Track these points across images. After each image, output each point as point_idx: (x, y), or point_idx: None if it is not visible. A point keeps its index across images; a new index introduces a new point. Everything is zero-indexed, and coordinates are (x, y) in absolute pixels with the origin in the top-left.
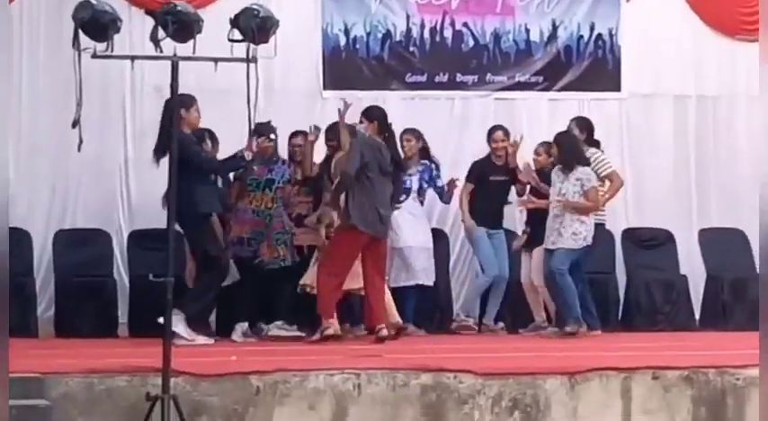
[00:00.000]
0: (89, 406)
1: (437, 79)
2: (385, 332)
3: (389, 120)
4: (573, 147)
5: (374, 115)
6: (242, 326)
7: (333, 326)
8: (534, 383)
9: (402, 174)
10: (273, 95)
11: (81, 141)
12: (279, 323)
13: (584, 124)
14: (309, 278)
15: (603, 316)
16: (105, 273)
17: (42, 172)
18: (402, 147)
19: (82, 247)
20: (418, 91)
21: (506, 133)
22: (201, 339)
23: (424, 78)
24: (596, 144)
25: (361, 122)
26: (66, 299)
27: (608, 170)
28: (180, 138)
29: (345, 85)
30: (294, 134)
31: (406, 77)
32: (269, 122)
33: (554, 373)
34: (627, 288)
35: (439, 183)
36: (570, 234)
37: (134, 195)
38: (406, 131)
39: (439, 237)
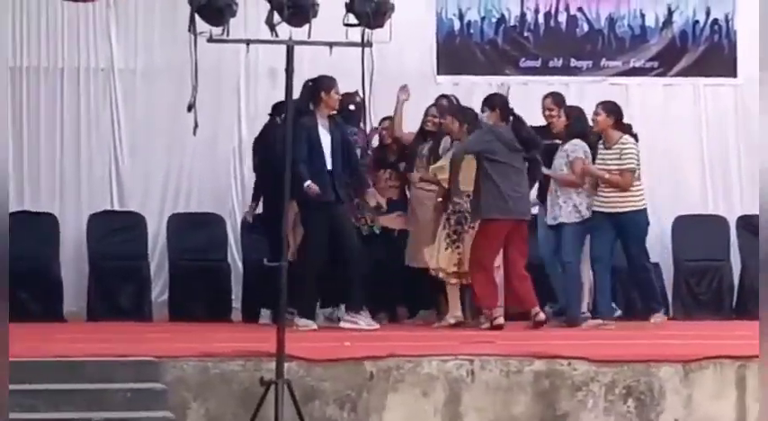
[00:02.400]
0: (203, 389)
1: (551, 64)
2: (542, 316)
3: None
4: (576, 121)
5: (495, 103)
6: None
7: (501, 314)
8: (648, 371)
9: (536, 151)
10: (387, 80)
11: (196, 125)
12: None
13: (611, 108)
14: (443, 262)
15: (718, 304)
16: (219, 258)
17: (157, 156)
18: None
19: (196, 231)
20: (532, 76)
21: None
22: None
23: (538, 63)
24: (628, 130)
25: (483, 111)
26: (181, 283)
27: (628, 165)
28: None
29: (459, 70)
30: (384, 119)
31: (520, 62)
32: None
33: (668, 361)
34: (741, 275)
35: None
36: (572, 208)
37: (248, 179)
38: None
39: None
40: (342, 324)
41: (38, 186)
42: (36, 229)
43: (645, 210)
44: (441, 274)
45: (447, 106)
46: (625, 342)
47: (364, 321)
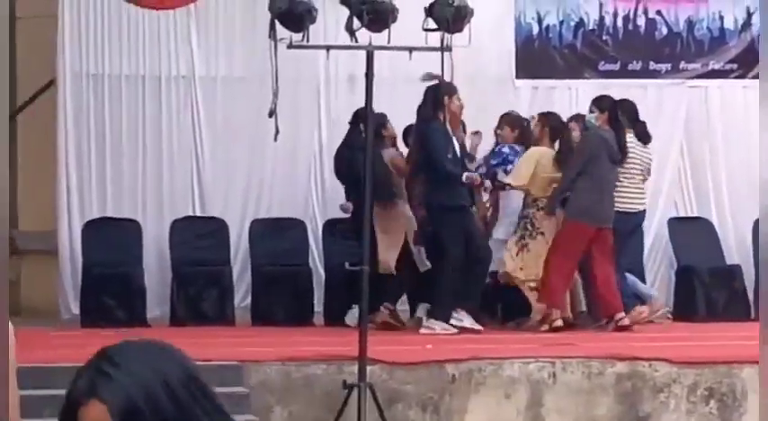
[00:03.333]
0: (286, 393)
1: (630, 67)
2: (627, 321)
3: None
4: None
5: (605, 105)
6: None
7: (561, 318)
8: (730, 372)
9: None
10: (466, 84)
11: (277, 131)
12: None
13: (605, 105)
14: (504, 265)
15: None
16: (301, 262)
17: (238, 162)
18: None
19: (277, 236)
20: (611, 79)
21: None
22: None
23: (617, 66)
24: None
25: (591, 112)
26: (263, 287)
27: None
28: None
29: (538, 74)
30: (474, 133)
31: (599, 66)
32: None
33: (751, 362)
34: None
35: None
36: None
37: (328, 184)
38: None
39: None
40: (462, 324)
41: (120, 193)
42: (119, 236)
43: (621, 213)
44: (513, 281)
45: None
46: (707, 343)
47: (468, 321)
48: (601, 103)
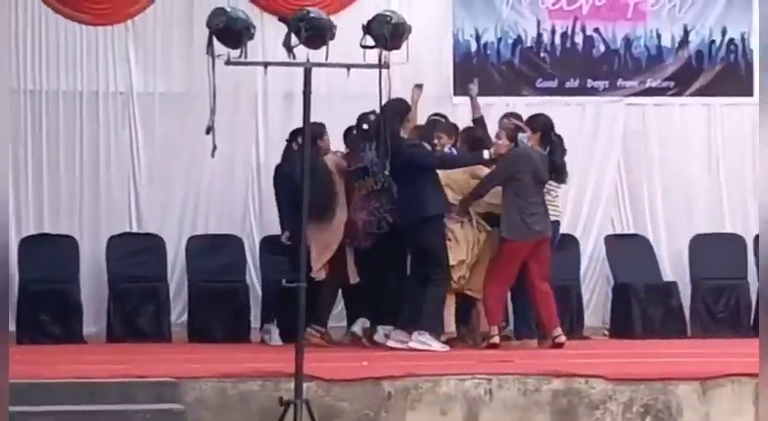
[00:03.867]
0: (222, 410)
1: (568, 85)
2: (563, 338)
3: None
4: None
5: (538, 124)
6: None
7: (497, 333)
8: (666, 389)
9: (563, 179)
10: None
11: (215, 147)
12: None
13: (538, 124)
14: (473, 283)
15: (736, 322)
16: (238, 279)
17: (176, 178)
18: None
19: (214, 253)
20: (549, 96)
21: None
22: (437, 345)
23: (554, 84)
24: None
25: (524, 131)
26: (199, 304)
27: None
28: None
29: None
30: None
31: (536, 83)
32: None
33: (686, 379)
34: (759, 294)
35: None
36: None
37: (265, 200)
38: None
39: (569, 241)
40: (411, 344)
41: (57, 209)
42: (56, 252)
43: None
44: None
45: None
46: (642, 360)
47: (437, 344)
48: (533, 122)
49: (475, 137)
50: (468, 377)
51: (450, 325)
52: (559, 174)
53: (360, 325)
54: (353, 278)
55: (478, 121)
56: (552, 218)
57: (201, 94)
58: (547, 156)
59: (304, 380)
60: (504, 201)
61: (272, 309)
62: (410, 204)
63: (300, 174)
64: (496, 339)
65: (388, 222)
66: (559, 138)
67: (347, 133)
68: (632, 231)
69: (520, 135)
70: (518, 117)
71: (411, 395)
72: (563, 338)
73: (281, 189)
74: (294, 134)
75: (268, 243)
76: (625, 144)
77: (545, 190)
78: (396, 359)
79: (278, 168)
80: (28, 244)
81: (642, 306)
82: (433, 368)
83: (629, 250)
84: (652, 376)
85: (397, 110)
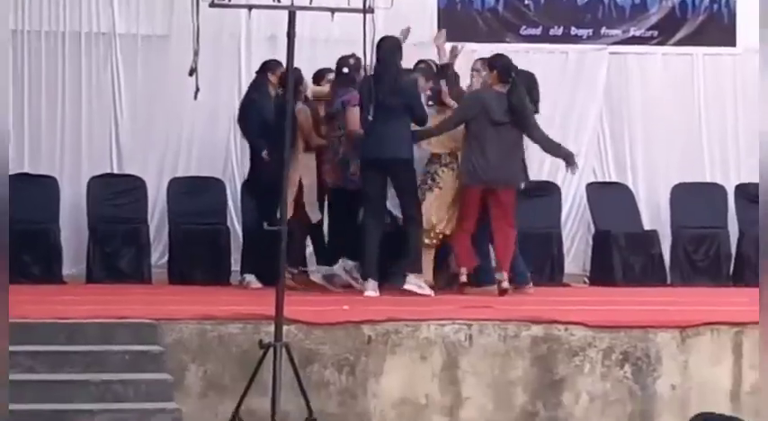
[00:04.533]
0: (202, 352)
1: (551, 32)
2: (506, 284)
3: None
4: None
5: (495, 64)
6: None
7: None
8: (645, 336)
9: (523, 122)
10: None
11: (197, 89)
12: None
13: (497, 64)
14: (441, 224)
15: (715, 270)
16: (218, 221)
17: (157, 120)
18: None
19: (195, 195)
20: (532, 44)
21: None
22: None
23: (538, 31)
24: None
25: (478, 70)
26: (180, 246)
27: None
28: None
29: (460, 37)
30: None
31: (520, 30)
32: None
33: (665, 327)
34: (739, 243)
35: None
36: None
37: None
38: None
39: (550, 188)
40: (407, 286)
41: (38, 149)
42: (36, 192)
43: None
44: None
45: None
46: (622, 308)
47: (427, 288)
48: (492, 61)
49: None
50: (448, 322)
51: (429, 273)
52: (519, 116)
53: (341, 265)
54: (315, 217)
55: (445, 68)
56: None
57: (184, 36)
58: (505, 97)
59: (284, 324)
60: (463, 142)
61: (251, 253)
62: (395, 144)
63: (276, 114)
64: (464, 278)
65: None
66: (529, 77)
67: (317, 76)
68: (614, 180)
69: (483, 74)
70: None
71: (391, 340)
72: (506, 284)
73: (250, 119)
74: (264, 66)
75: (249, 185)
76: (607, 92)
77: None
78: (376, 303)
79: (248, 98)
80: (8, 184)
81: (623, 254)
82: (414, 313)
83: (610, 198)
84: (632, 323)
85: (396, 45)
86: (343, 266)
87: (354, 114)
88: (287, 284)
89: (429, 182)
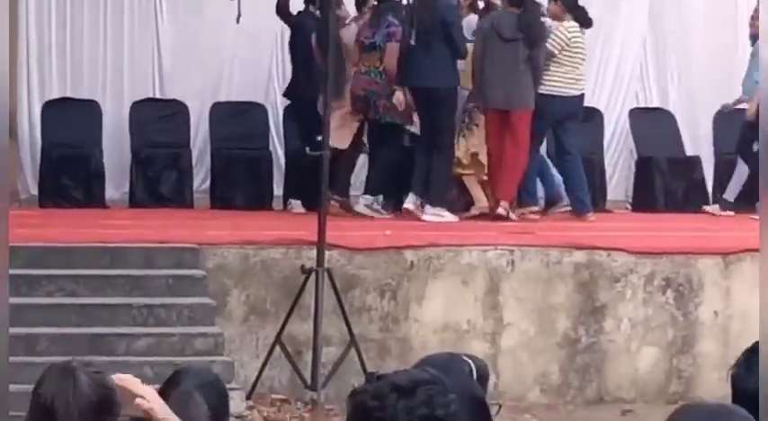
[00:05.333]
0: (244, 277)
1: None
2: (503, 211)
3: None
4: None
5: None
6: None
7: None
8: (687, 262)
9: (534, 45)
10: None
11: (239, 14)
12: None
13: None
14: (459, 152)
15: (758, 196)
16: (261, 146)
17: (200, 44)
18: None
19: (238, 120)
20: None
21: None
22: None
23: None
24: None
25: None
26: (222, 171)
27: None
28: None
29: None
30: None
31: None
32: None
33: (708, 253)
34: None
35: None
36: None
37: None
38: None
39: (593, 114)
40: (425, 217)
41: (81, 73)
42: (78, 116)
43: (557, 97)
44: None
45: None
46: (665, 234)
47: (448, 214)
48: None
49: None
50: (490, 248)
51: (483, 199)
52: (529, 32)
53: (362, 203)
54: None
55: None
56: (578, 91)
57: None
58: (517, 17)
59: (326, 249)
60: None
61: (294, 178)
62: (436, 73)
63: (318, 43)
64: (501, 211)
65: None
66: (582, 9)
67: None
68: (656, 105)
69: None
70: None
71: (433, 265)
72: (503, 211)
73: (296, 52)
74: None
75: (292, 110)
76: (652, 15)
77: (574, 61)
78: (418, 229)
79: (295, 28)
80: (51, 108)
81: (665, 179)
82: (456, 238)
83: (652, 124)
84: (674, 250)
85: None
86: (363, 203)
87: (394, 50)
88: (329, 211)
89: (466, 120)
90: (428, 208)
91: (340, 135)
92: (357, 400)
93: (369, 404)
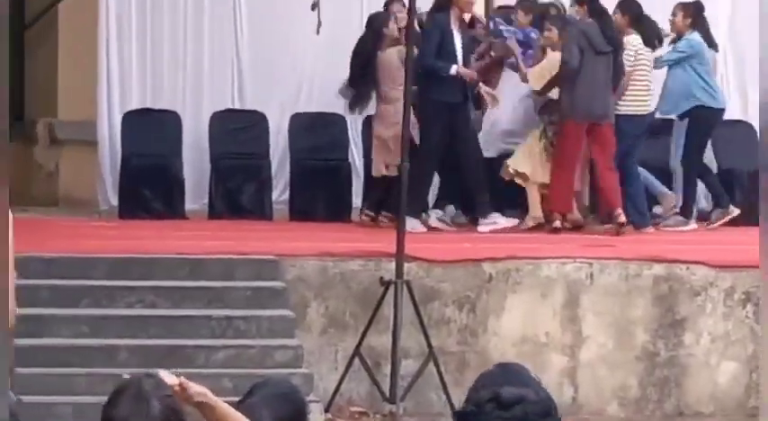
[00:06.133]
0: (323, 288)
1: None
2: (623, 218)
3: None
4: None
5: None
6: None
7: (561, 220)
8: None
9: (620, 52)
10: None
11: (320, 24)
12: (439, 212)
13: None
14: (521, 165)
15: None
16: (340, 157)
17: (280, 55)
18: None
19: (317, 131)
20: None
21: None
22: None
23: None
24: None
25: (571, 6)
26: (301, 182)
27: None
28: None
29: None
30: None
31: None
32: None
33: None
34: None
35: None
36: None
37: None
38: None
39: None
40: (481, 228)
41: (161, 84)
42: (158, 127)
43: (630, 116)
44: (520, 180)
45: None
46: (745, 247)
47: (502, 219)
48: None
49: None
50: (569, 261)
51: (538, 210)
52: (616, 45)
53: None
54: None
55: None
56: (648, 108)
57: None
58: (598, 27)
59: (405, 261)
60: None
61: (373, 190)
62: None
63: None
64: (557, 224)
65: None
66: (651, 23)
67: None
68: (737, 117)
69: (568, 10)
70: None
71: (512, 277)
72: (623, 218)
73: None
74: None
75: (370, 122)
76: (731, 28)
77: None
78: (497, 241)
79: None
80: (131, 118)
81: (745, 192)
82: (535, 251)
83: (732, 136)
84: (754, 263)
85: None
86: (435, 216)
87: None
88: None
89: (549, 134)
90: (480, 220)
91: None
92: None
93: (467, 409)
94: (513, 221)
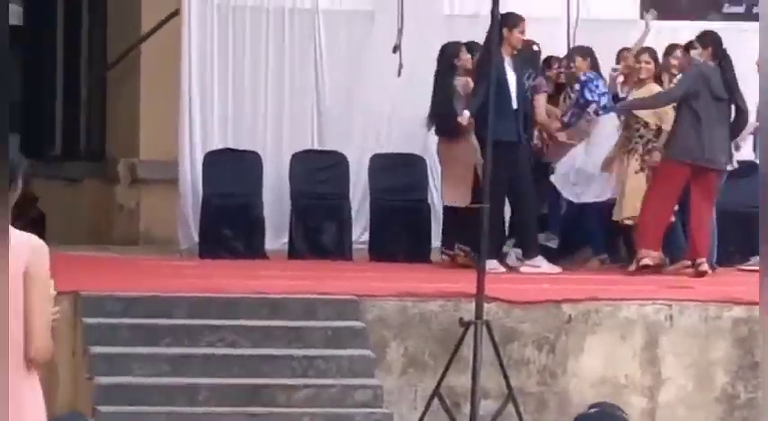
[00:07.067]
0: (403, 329)
1: (755, 10)
2: (705, 266)
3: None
4: None
5: (708, 40)
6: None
7: (651, 257)
8: None
9: (739, 98)
10: (589, 22)
11: (401, 66)
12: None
13: (708, 40)
14: (629, 210)
15: None
16: (419, 198)
17: (360, 96)
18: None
19: (397, 172)
20: (735, 22)
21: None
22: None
23: (742, 9)
24: None
25: (695, 48)
26: (381, 222)
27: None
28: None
29: (661, 15)
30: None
31: (723, 8)
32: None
33: None
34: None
35: None
36: None
37: None
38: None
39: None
40: (523, 269)
41: (242, 124)
42: (239, 167)
43: None
44: (630, 221)
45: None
46: None
47: (545, 264)
48: (703, 38)
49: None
50: (648, 302)
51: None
52: (736, 92)
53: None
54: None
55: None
56: None
57: (388, 11)
58: (719, 72)
59: (485, 302)
60: (677, 117)
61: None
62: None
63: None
64: (647, 261)
65: None
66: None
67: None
68: None
69: (692, 52)
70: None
71: (591, 319)
72: (705, 267)
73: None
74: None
75: None
76: None
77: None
78: (577, 282)
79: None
80: (212, 158)
81: None
82: (614, 292)
83: None
84: None
85: None
86: (515, 256)
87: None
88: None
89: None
90: (526, 261)
91: (456, 193)
92: None
93: None
94: (556, 269)
